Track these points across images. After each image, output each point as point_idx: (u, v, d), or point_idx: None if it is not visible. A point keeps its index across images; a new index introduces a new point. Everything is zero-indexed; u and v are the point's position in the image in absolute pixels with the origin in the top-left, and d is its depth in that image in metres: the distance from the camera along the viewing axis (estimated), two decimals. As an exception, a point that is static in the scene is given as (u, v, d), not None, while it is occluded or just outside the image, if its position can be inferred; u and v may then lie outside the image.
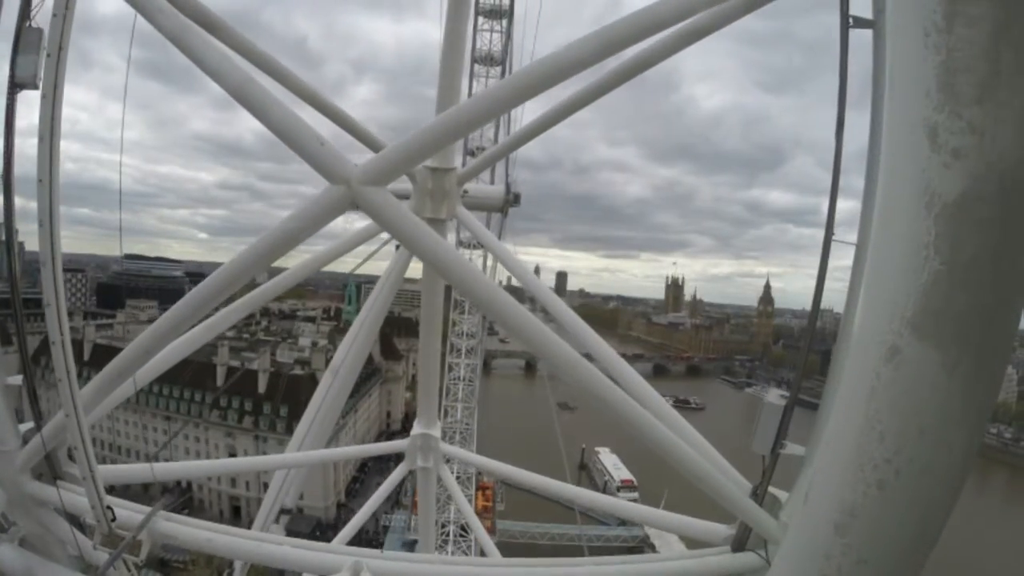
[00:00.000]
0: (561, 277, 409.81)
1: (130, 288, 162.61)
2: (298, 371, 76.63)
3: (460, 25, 8.71)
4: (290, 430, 69.38)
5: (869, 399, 4.11)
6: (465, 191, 9.11)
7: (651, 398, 6.31)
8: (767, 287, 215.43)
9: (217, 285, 5.28)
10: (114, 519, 5.90)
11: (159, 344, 5.72)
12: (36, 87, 5.26)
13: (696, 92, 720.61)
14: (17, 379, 6.26)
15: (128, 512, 6.17)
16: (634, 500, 78.86)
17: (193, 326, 6.55)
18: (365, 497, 73.06)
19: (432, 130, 4.98)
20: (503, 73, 45.63)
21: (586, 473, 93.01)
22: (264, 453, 72.69)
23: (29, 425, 6.36)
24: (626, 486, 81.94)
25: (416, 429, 11.21)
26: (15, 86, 5.38)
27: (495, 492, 65.96)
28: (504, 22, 44.43)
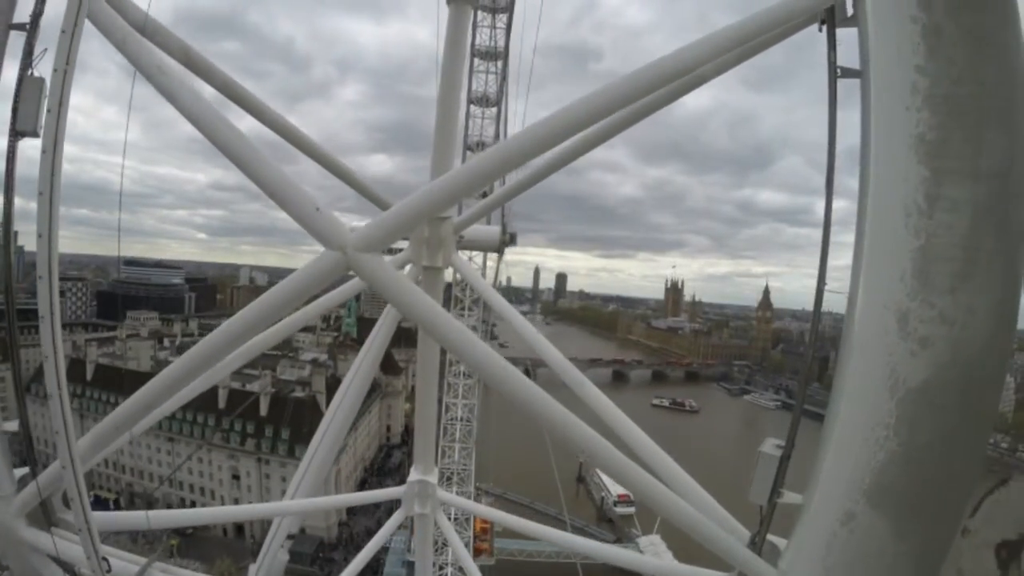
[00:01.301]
0: (561, 279, 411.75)
1: (130, 297, 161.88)
2: (299, 393, 77.02)
3: (457, 70, 8.86)
4: (291, 452, 70.58)
5: (826, 554, 4.42)
6: (461, 236, 9.20)
7: (643, 445, 6.54)
8: (766, 292, 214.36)
9: (215, 346, 5.31)
10: (109, 570, 5.88)
11: (157, 400, 5.72)
12: (37, 135, 5.41)
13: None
14: (13, 425, 6.23)
15: (123, 563, 6.34)
16: (630, 515, 79.49)
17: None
18: (365, 514, 73.42)
19: (428, 195, 5.06)
20: (498, 113, 46.17)
21: (584, 487, 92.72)
22: (267, 475, 73.43)
23: (25, 470, 6.29)
24: (623, 501, 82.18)
25: (413, 475, 11.00)
26: (16, 134, 5.56)
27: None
28: (499, 63, 44.79)
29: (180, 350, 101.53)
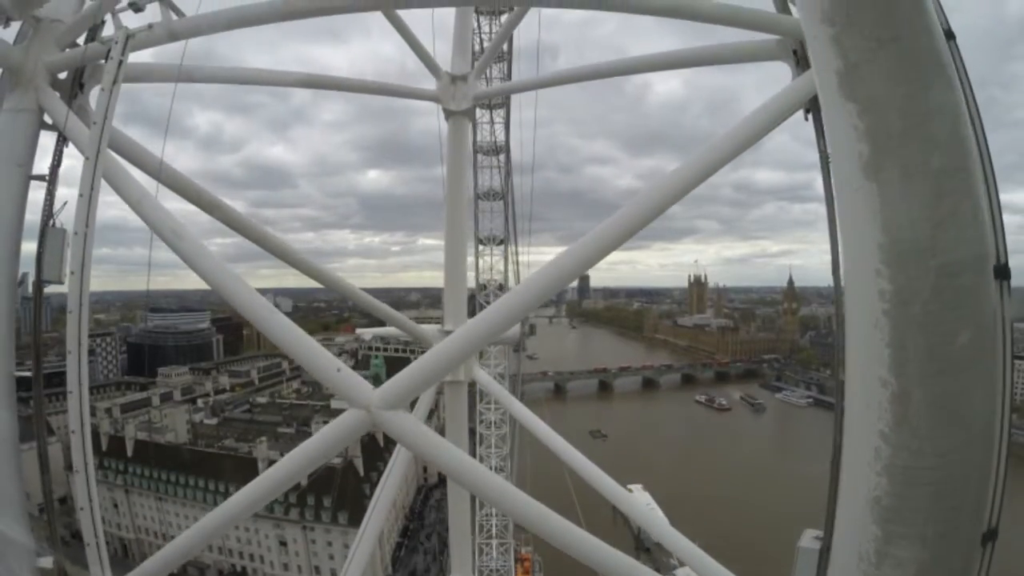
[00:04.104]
0: (584, 279, 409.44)
1: (159, 348, 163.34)
2: (337, 459, 77.62)
3: (461, 176, 9.57)
4: (335, 519, 71.30)
5: None
6: None
7: (660, 530, 7.35)
8: (790, 283, 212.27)
9: (242, 504, 5.45)
10: None
11: (192, 550, 5.93)
12: (61, 282, 5.60)
13: (648, 78, 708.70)
14: (48, 561, 6.23)
15: None
16: None
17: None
18: (410, 567, 73.91)
19: (445, 350, 5.17)
20: (506, 205, 46.47)
21: (621, 515, 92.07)
22: (312, 541, 74.25)
23: None
24: None
25: None
26: (41, 282, 5.79)
27: (533, 563, 66.76)
28: (501, 157, 45.03)
29: (214, 411, 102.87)
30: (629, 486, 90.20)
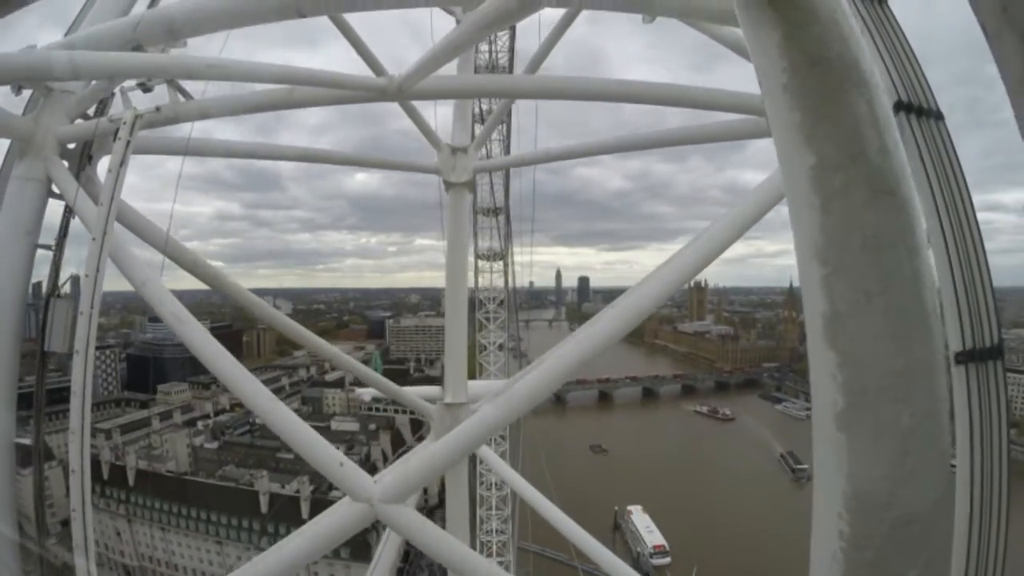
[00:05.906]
0: (583, 281, 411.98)
1: (159, 360, 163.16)
2: (337, 493, 77.51)
3: (461, 242, 9.97)
4: (337, 554, 71.07)
5: None
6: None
7: None
8: (790, 290, 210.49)
9: None
10: None
11: None
12: (66, 353, 5.64)
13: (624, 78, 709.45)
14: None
15: None
16: (665, 565, 78.64)
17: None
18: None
19: (448, 444, 5.11)
20: (505, 266, 46.48)
21: (619, 535, 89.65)
22: (315, 574, 74.12)
23: None
24: (658, 552, 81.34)
25: None
26: (45, 354, 5.89)
27: None
28: (500, 218, 45.06)
29: (214, 434, 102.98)
30: (629, 507, 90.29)
